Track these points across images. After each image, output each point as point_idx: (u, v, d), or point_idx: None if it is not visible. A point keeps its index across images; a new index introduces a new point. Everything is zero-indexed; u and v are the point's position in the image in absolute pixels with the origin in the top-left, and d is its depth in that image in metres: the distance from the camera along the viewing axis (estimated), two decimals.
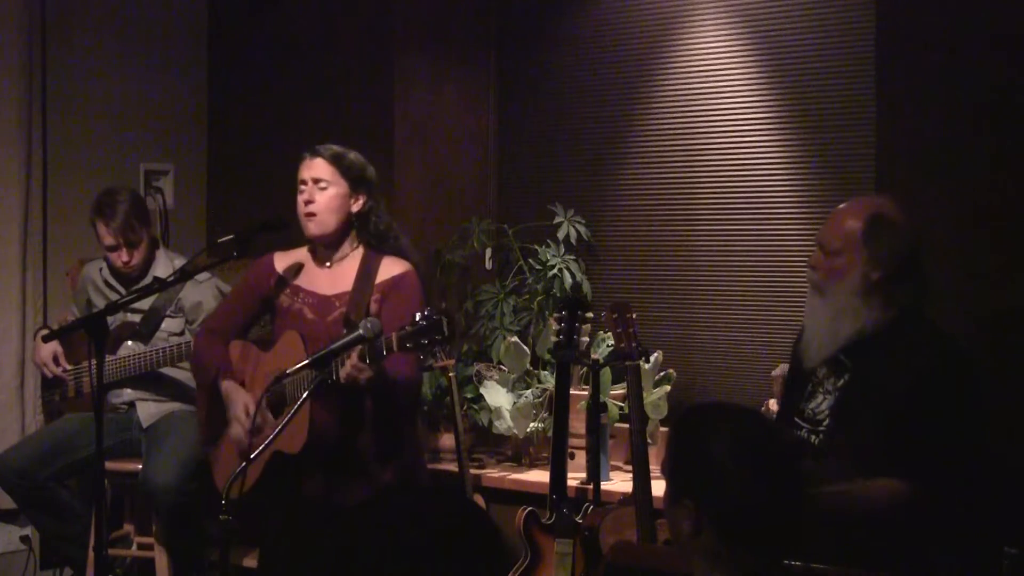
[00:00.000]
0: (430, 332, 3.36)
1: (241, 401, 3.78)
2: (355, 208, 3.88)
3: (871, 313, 3.20)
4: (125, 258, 4.67)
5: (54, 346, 4.73)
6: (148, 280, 4.63)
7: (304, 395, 3.42)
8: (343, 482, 3.76)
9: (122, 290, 4.66)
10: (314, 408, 3.58)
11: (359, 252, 3.89)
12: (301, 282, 3.90)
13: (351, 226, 3.89)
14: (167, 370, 4.70)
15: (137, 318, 4.73)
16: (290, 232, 4.00)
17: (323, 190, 3.84)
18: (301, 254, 3.97)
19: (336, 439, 3.71)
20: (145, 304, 4.67)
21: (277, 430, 3.36)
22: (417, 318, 3.38)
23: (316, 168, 3.86)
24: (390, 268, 3.85)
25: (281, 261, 3.96)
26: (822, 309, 3.27)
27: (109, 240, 4.65)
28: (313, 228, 3.86)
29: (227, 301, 4.21)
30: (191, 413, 4.67)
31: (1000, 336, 3.98)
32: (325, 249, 3.91)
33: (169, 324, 4.72)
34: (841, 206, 3.35)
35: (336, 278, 3.87)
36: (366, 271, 3.83)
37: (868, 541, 3.09)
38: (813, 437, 3.26)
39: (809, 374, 3.35)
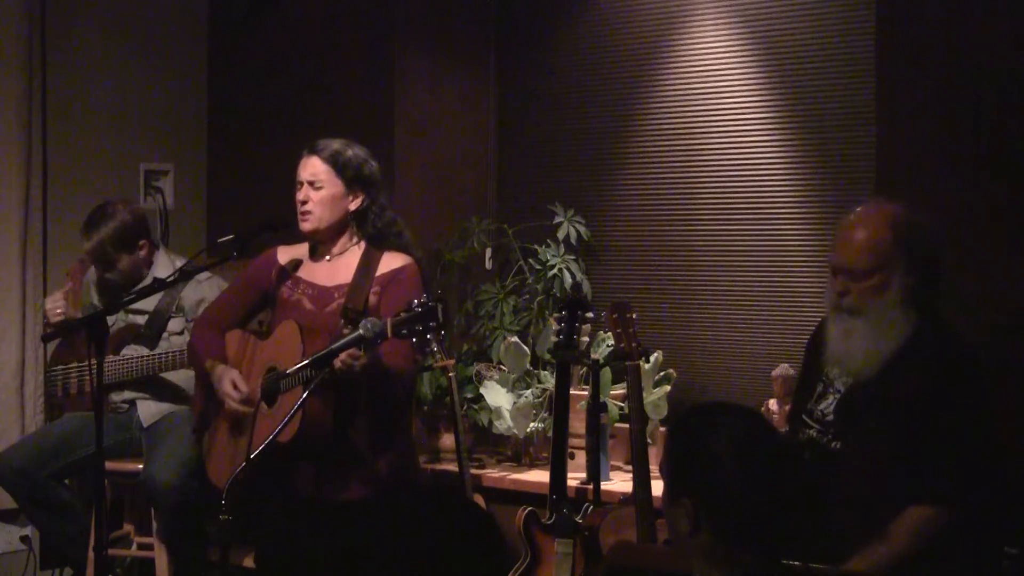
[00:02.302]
0: (425, 319, 3.37)
1: (227, 378, 3.82)
2: (352, 206, 3.91)
3: (909, 323, 3.15)
4: (99, 272, 4.69)
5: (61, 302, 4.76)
6: (148, 281, 4.65)
7: (304, 394, 3.42)
8: (334, 473, 3.76)
9: (119, 292, 4.67)
10: (306, 396, 3.58)
11: (360, 247, 3.93)
12: (301, 274, 3.96)
13: (347, 223, 3.92)
14: (168, 375, 4.69)
15: (142, 320, 4.73)
16: (292, 229, 4.02)
17: (318, 190, 3.89)
18: (303, 248, 4.01)
19: (328, 428, 3.71)
20: (149, 306, 4.68)
21: (279, 428, 3.36)
22: (414, 304, 3.39)
23: (311, 167, 3.91)
24: (390, 262, 3.88)
25: (284, 255, 4.03)
26: (861, 329, 3.17)
27: (84, 255, 4.71)
28: (306, 225, 3.92)
29: (227, 292, 4.24)
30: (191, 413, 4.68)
31: (1002, 336, 3.98)
32: (324, 244, 3.94)
33: (171, 324, 4.73)
34: (852, 222, 3.24)
35: (336, 271, 3.91)
36: (366, 264, 3.87)
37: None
38: (824, 438, 3.25)
39: (819, 375, 3.33)
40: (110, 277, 4.70)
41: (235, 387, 3.80)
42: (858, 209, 3.29)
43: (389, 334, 3.43)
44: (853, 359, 3.20)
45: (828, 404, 3.28)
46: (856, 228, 3.21)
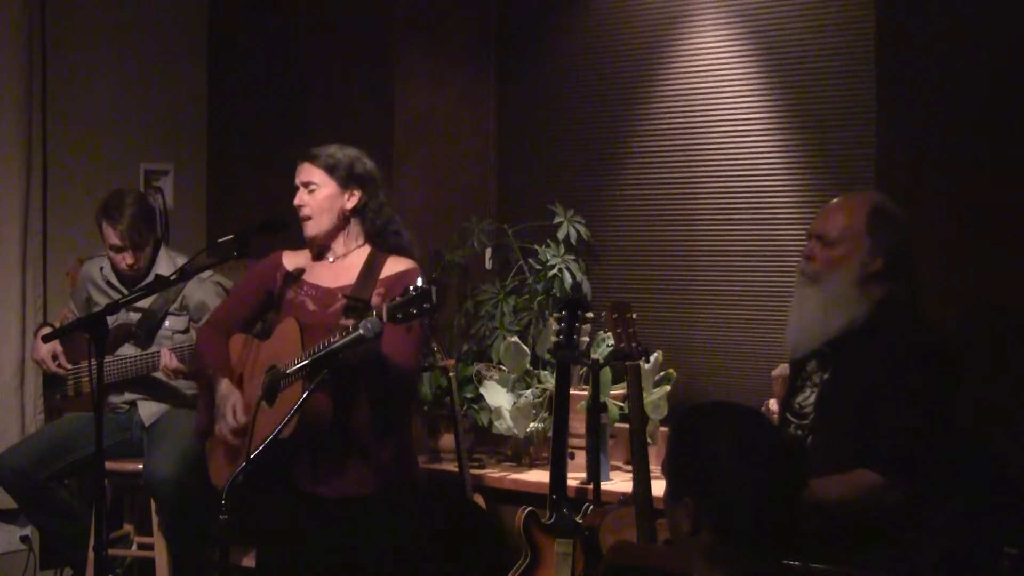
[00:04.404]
0: (419, 301, 3.37)
1: (231, 401, 3.83)
2: (349, 204, 3.94)
3: (861, 306, 3.21)
4: (130, 260, 4.67)
5: (53, 345, 4.73)
6: (150, 279, 4.64)
7: (304, 394, 3.42)
8: (333, 467, 3.76)
9: (124, 290, 4.66)
10: (305, 388, 3.57)
11: (365, 250, 3.94)
12: (306, 277, 3.96)
13: (348, 222, 3.94)
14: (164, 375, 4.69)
15: (135, 318, 4.73)
16: (296, 231, 4.03)
17: (312, 192, 3.93)
18: (308, 253, 4.02)
19: (327, 419, 3.71)
20: (143, 304, 4.67)
21: (279, 428, 3.35)
22: (409, 288, 3.39)
23: (305, 172, 3.95)
24: (394, 265, 3.89)
25: (289, 259, 4.04)
26: (814, 299, 3.28)
27: (115, 241, 4.65)
28: (308, 230, 3.95)
29: (232, 296, 4.26)
30: (191, 413, 4.67)
31: (1000, 334, 3.98)
32: (326, 247, 3.96)
33: (174, 322, 4.72)
34: (837, 199, 3.38)
35: (340, 272, 3.92)
36: (370, 267, 3.88)
37: (863, 538, 3.09)
38: (799, 432, 3.27)
39: (800, 368, 3.36)
40: (131, 265, 4.67)
41: (234, 415, 3.80)
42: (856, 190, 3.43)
43: (385, 319, 3.43)
44: (802, 329, 3.29)
45: (805, 396, 3.31)
46: (839, 201, 3.37)
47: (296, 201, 3.94)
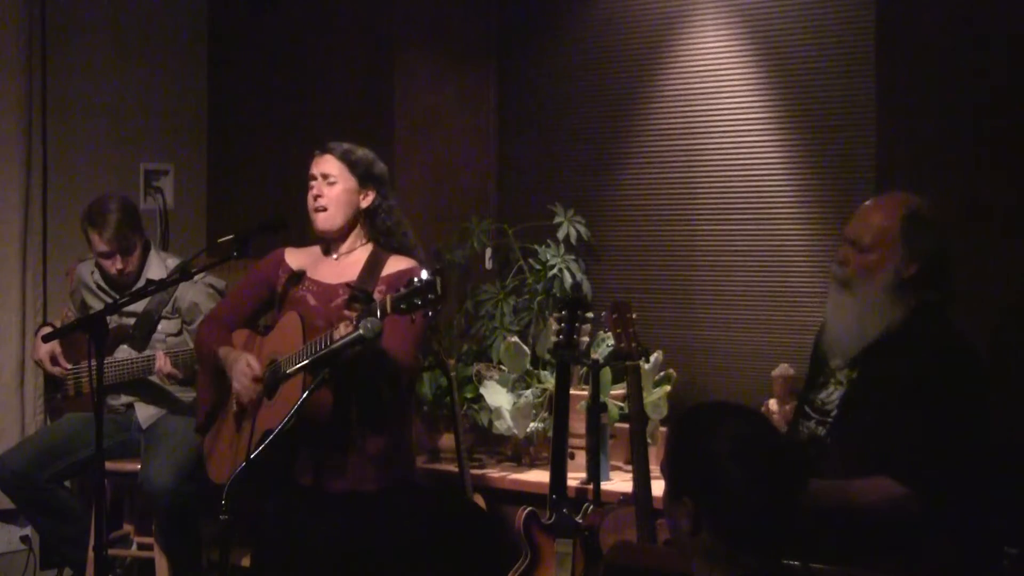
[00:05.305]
0: (424, 292, 3.36)
1: (243, 358, 3.82)
2: (364, 203, 3.94)
3: (897, 311, 3.19)
4: (119, 266, 4.65)
5: (53, 345, 4.72)
6: (142, 283, 4.63)
7: (304, 394, 3.41)
8: (333, 461, 3.76)
9: (114, 294, 4.66)
10: (306, 384, 3.57)
11: (368, 248, 3.95)
12: (308, 273, 3.97)
13: (359, 221, 3.94)
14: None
15: (131, 322, 4.72)
16: (296, 231, 4.03)
17: (332, 185, 3.92)
18: (311, 250, 4.04)
19: (327, 411, 3.70)
20: (138, 308, 4.67)
21: (280, 426, 3.35)
22: (414, 280, 3.38)
23: (325, 164, 3.94)
24: (396, 264, 3.90)
25: (291, 256, 4.05)
26: (849, 306, 3.25)
27: (102, 248, 4.63)
28: (321, 223, 3.93)
29: (234, 292, 4.26)
30: (188, 419, 4.67)
31: (1001, 335, 3.98)
32: (333, 243, 3.96)
33: (166, 325, 4.71)
34: (870, 202, 3.34)
35: (342, 269, 3.92)
36: (373, 264, 3.89)
37: (866, 540, 3.09)
38: (820, 428, 3.26)
39: (823, 364, 3.35)
40: (121, 270, 4.66)
41: (249, 366, 3.80)
42: (886, 192, 3.42)
43: (389, 310, 3.43)
44: (841, 337, 3.27)
45: (828, 393, 3.30)
46: (873, 204, 3.32)
47: (314, 192, 3.92)
